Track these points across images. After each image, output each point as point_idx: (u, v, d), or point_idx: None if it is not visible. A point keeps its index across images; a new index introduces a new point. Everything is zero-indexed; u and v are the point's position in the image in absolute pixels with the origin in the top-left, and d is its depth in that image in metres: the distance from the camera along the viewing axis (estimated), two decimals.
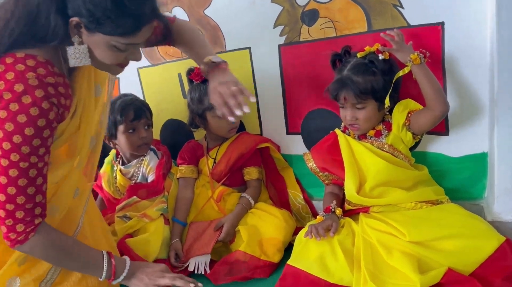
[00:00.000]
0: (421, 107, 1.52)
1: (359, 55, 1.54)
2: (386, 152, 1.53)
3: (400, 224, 1.40)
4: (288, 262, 1.40)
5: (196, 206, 1.85)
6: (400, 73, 1.49)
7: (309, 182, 1.89)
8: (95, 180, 2.03)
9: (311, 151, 1.68)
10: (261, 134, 1.96)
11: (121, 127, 1.89)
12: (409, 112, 1.52)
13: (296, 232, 1.68)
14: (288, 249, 1.63)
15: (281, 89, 1.86)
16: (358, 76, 1.49)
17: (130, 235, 1.75)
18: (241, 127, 1.98)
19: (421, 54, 1.45)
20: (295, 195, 1.89)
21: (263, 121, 1.95)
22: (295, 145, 1.90)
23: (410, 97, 1.57)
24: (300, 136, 1.88)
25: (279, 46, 1.82)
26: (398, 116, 1.53)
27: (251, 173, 1.87)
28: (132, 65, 2.06)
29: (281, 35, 1.81)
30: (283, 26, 1.79)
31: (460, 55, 1.55)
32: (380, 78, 1.50)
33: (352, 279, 1.32)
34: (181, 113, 2.07)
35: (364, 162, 1.52)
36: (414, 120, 1.50)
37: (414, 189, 1.52)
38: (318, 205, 1.88)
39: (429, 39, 1.58)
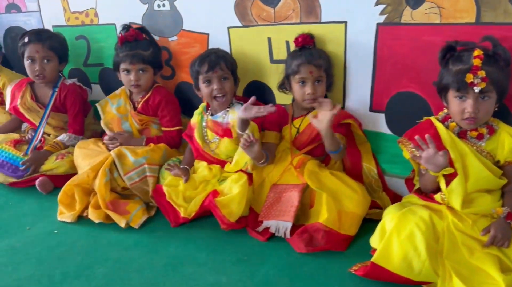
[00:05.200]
0: None
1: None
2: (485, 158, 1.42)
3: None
4: (373, 259, 1.35)
5: (276, 170, 1.80)
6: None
7: (384, 158, 1.83)
8: (183, 129, 2.08)
9: (410, 139, 1.50)
10: (343, 108, 1.86)
11: (200, 79, 1.87)
12: None
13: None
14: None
15: (371, 67, 1.73)
16: (487, 66, 1.35)
17: (217, 192, 1.74)
18: None
19: None
20: (369, 168, 1.83)
21: (347, 96, 1.84)
22: (376, 123, 1.81)
23: None
24: (382, 115, 1.78)
25: (378, 24, 1.66)
26: None
27: None
28: (223, 23, 1.97)
29: (381, 14, 1.64)
30: (385, 5, 1.63)
31: None
32: (504, 72, 1.38)
33: (434, 276, 1.30)
34: (266, 77, 1.98)
35: (465, 164, 1.39)
36: None
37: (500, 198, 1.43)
38: (390, 180, 1.84)
39: None
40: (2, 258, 1.62)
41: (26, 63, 2.18)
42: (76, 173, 2.07)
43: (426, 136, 1.37)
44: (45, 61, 2.18)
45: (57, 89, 2.23)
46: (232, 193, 1.71)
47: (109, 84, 2.44)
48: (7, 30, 2.67)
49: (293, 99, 1.86)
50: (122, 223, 1.75)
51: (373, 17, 1.66)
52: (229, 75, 1.87)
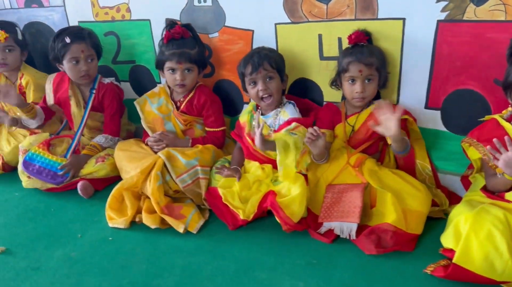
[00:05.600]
0: None
1: None
2: None
3: None
4: (455, 261, 1.34)
5: (331, 169, 1.78)
6: None
7: (438, 155, 1.83)
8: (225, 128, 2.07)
9: (479, 140, 1.52)
10: (397, 104, 1.84)
11: (246, 80, 1.85)
12: None
13: None
14: None
15: (429, 64, 1.72)
16: None
17: (275, 193, 1.71)
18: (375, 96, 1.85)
19: None
20: (423, 165, 1.82)
21: (401, 92, 1.82)
22: (431, 120, 1.80)
23: None
24: (438, 112, 1.78)
25: (438, 21, 1.64)
26: None
27: None
28: (270, 20, 1.92)
29: (442, 11, 1.62)
30: (447, 2, 1.61)
31: None
32: None
33: None
34: (314, 74, 1.94)
35: None
36: None
37: None
38: (443, 177, 1.84)
39: None
40: (62, 269, 1.56)
41: (69, 65, 2.07)
42: (116, 175, 2.01)
43: (506, 138, 1.36)
44: (89, 60, 2.10)
45: (94, 91, 2.15)
46: (292, 193, 1.68)
47: (140, 82, 2.37)
48: (26, 25, 2.55)
49: (345, 97, 1.83)
50: (180, 228, 1.71)
51: (434, 14, 1.64)
52: (274, 74, 1.82)
